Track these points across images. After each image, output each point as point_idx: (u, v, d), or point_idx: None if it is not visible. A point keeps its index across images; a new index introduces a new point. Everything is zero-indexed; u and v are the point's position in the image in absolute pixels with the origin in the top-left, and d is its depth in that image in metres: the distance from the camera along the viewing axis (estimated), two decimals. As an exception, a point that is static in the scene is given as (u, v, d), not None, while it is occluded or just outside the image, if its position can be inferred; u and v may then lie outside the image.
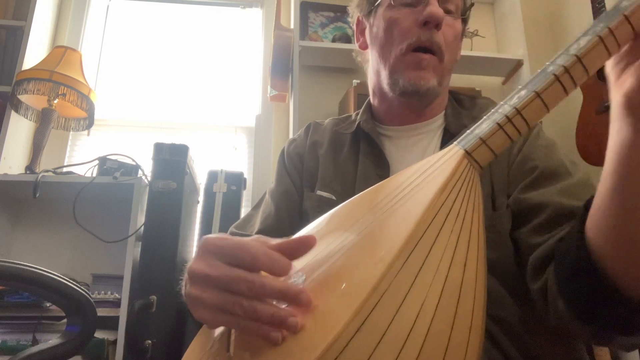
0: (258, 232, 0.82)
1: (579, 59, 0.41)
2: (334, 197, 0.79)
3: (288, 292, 0.40)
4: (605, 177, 0.47)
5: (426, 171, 0.45)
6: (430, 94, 0.77)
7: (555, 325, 0.59)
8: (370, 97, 0.89)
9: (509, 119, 0.42)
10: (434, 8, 0.73)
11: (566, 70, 0.41)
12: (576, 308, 0.54)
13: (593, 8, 1.65)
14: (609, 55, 0.42)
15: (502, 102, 0.44)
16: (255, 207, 0.90)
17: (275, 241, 0.44)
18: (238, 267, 0.42)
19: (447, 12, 0.76)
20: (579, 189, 0.66)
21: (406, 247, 0.38)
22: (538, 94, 0.41)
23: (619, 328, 0.51)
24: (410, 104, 0.80)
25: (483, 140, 0.43)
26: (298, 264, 0.45)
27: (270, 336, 0.39)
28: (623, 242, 0.47)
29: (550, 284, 0.58)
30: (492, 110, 0.44)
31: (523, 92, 0.43)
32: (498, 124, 0.42)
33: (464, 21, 0.82)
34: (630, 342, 0.52)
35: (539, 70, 0.43)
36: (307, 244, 0.44)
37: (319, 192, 0.82)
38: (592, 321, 0.52)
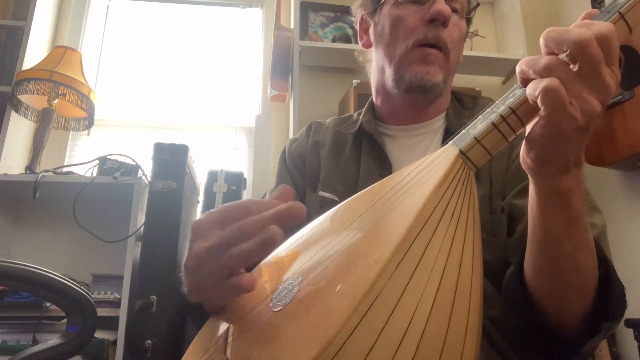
0: None
1: None
2: (336, 198, 0.79)
3: (278, 210, 0.42)
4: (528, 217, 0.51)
5: (421, 171, 0.44)
6: (435, 90, 0.76)
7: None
8: (373, 96, 0.89)
9: (503, 118, 0.42)
10: (442, 5, 0.72)
11: None
12: (513, 339, 0.60)
13: (593, 8, 1.65)
14: None
15: (497, 101, 0.44)
16: None
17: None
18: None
19: (453, 10, 0.76)
20: None
21: (400, 249, 0.37)
22: None
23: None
24: (414, 101, 0.79)
25: (478, 140, 0.43)
26: (295, 267, 0.45)
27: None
28: (544, 274, 0.52)
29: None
30: (488, 109, 0.44)
31: (518, 91, 0.43)
32: (493, 123, 0.42)
33: (468, 21, 0.82)
34: None
35: None
36: (284, 192, 0.47)
37: (321, 193, 0.82)
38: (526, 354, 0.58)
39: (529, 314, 0.54)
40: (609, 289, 0.51)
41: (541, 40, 0.41)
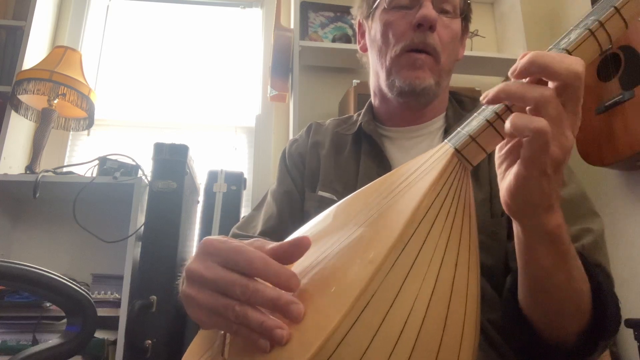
0: (260, 234, 0.82)
1: (569, 53, 0.41)
2: (335, 198, 0.79)
3: (279, 301, 0.38)
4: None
5: (417, 170, 0.44)
6: (427, 94, 0.76)
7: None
8: (372, 97, 0.89)
9: (498, 115, 0.42)
10: (427, 10, 0.73)
11: None
12: (515, 347, 0.61)
13: (593, 8, 1.65)
14: (600, 48, 0.41)
15: None
16: (257, 208, 0.90)
17: (271, 245, 0.43)
18: (234, 271, 0.41)
19: (444, 12, 0.76)
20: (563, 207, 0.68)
21: (395, 248, 0.37)
22: None
23: None
24: (408, 105, 0.80)
25: (473, 138, 0.42)
26: (295, 268, 0.44)
27: (258, 343, 0.38)
28: (538, 305, 0.53)
29: None
30: (483, 107, 0.44)
31: None
32: (487, 120, 0.42)
33: (465, 20, 0.82)
34: None
35: None
36: (301, 246, 0.42)
37: (320, 193, 0.82)
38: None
39: (527, 332, 0.55)
40: (602, 309, 0.52)
41: (526, 63, 0.38)
